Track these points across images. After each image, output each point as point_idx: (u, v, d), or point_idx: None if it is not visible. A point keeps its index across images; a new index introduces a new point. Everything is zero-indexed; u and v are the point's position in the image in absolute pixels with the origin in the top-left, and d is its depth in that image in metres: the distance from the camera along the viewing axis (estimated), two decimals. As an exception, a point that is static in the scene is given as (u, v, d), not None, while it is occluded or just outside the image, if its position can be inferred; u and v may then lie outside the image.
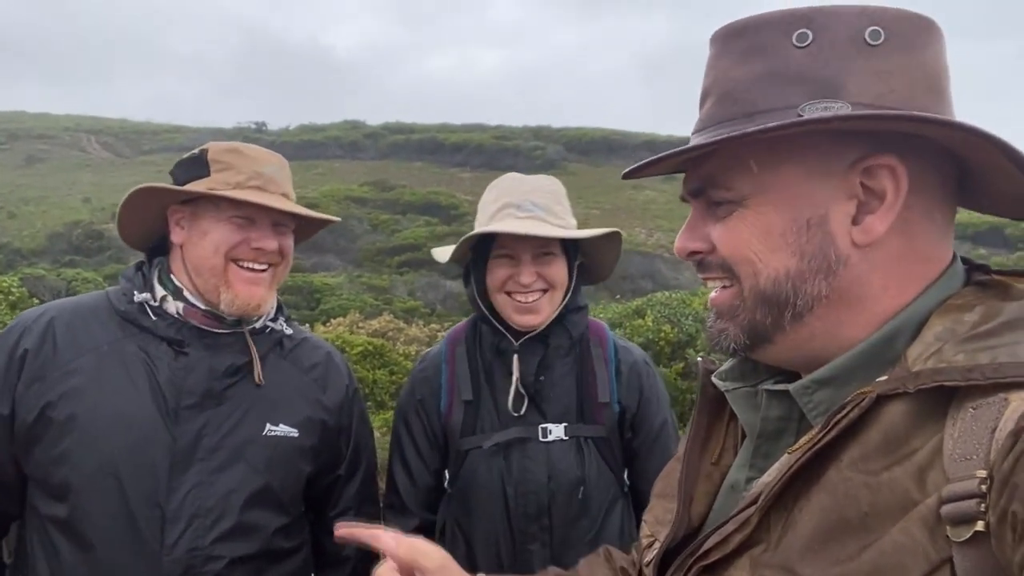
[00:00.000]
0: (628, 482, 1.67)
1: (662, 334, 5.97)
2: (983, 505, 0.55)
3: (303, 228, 1.63)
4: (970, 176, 0.72)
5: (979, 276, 0.72)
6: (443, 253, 1.72)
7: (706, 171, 0.74)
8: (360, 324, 12.67)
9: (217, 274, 1.43)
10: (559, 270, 1.61)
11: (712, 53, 0.76)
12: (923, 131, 0.66)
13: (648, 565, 0.83)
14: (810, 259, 0.71)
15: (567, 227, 1.62)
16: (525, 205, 1.59)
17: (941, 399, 0.62)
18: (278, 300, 1.60)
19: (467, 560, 1.61)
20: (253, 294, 1.44)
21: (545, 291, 1.60)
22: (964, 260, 0.75)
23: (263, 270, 1.47)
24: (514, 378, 1.61)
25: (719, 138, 0.68)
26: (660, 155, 0.74)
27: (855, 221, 0.69)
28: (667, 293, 7.22)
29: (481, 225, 1.62)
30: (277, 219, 1.48)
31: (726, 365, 0.84)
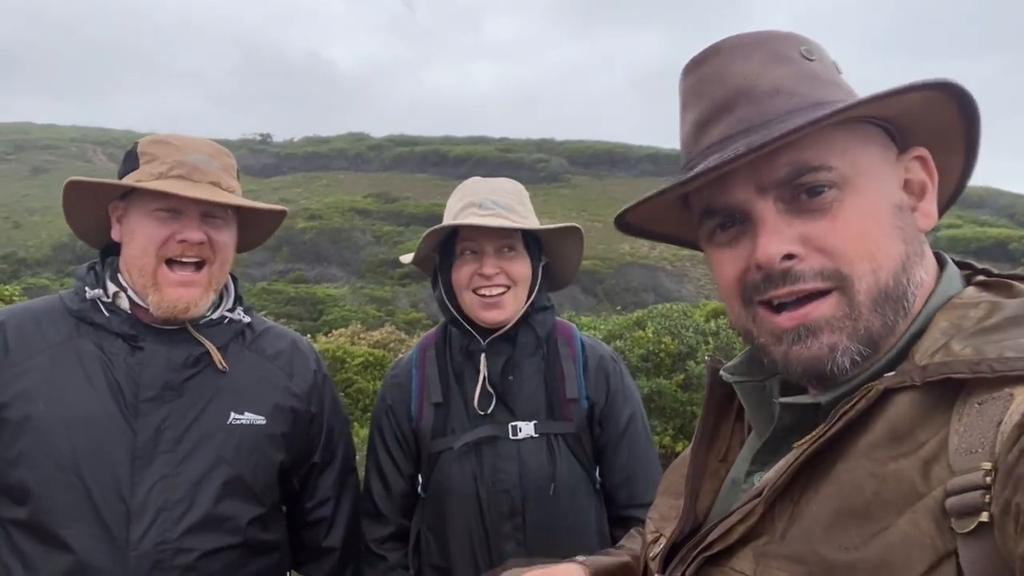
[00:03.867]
0: (599, 479, 1.67)
1: (663, 346, 5.97)
2: (987, 496, 0.55)
3: (259, 226, 1.60)
4: None
5: (979, 277, 0.74)
6: (409, 256, 1.74)
7: (793, 159, 0.68)
8: (362, 335, 12.68)
9: (146, 275, 1.40)
10: (521, 266, 1.64)
11: (715, 64, 0.74)
12: (936, 105, 0.70)
13: (654, 559, 0.84)
14: (911, 242, 0.70)
15: (530, 224, 1.65)
16: (486, 203, 1.63)
17: (947, 393, 0.62)
18: (236, 292, 1.58)
19: (442, 562, 1.63)
20: (181, 296, 1.41)
21: (508, 287, 1.62)
22: (961, 264, 0.77)
23: (194, 267, 1.43)
24: (481, 376, 1.62)
25: (844, 105, 0.65)
26: (764, 142, 0.65)
27: (911, 209, 0.72)
28: (668, 305, 7.22)
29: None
30: (207, 209, 1.43)
31: (735, 360, 0.84)
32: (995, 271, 0.74)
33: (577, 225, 1.71)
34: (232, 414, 1.43)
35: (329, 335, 13.18)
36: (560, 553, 1.60)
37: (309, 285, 30.73)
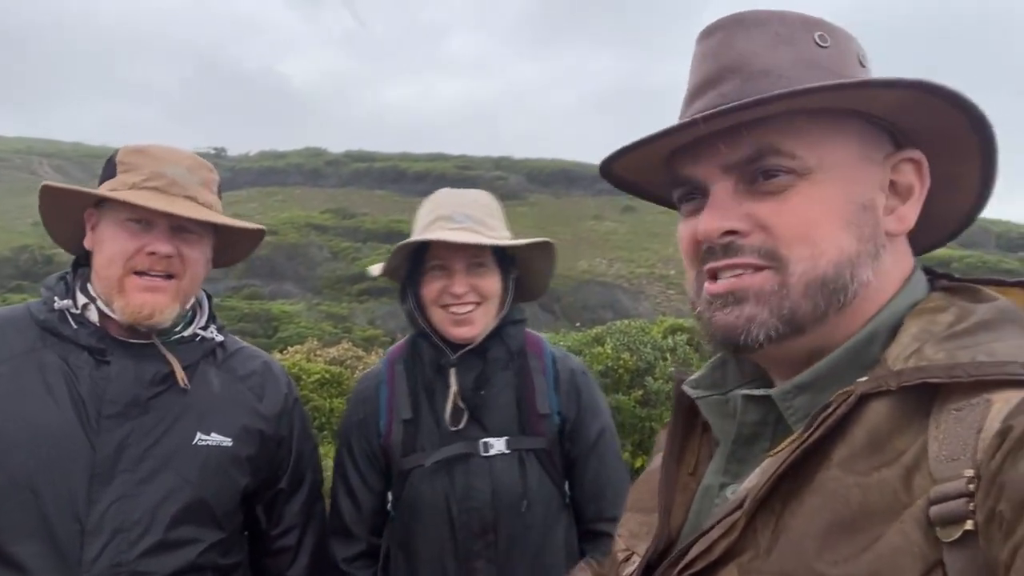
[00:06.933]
0: (569, 493, 1.67)
1: (621, 362, 6.00)
2: (971, 504, 0.56)
3: (236, 244, 1.58)
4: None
5: (942, 282, 0.75)
6: (378, 268, 1.72)
7: (763, 139, 0.70)
8: (318, 352, 12.48)
9: (111, 285, 1.38)
10: (492, 282, 1.62)
11: (720, 37, 0.75)
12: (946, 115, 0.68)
13: None
14: (866, 242, 0.71)
15: (500, 239, 1.63)
16: (457, 217, 1.60)
17: (922, 399, 0.62)
18: (211, 310, 1.55)
19: None
20: (145, 301, 1.38)
21: (479, 303, 1.60)
22: (925, 268, 0.78)
23: (163, 277, 1.40)
24: (451, 392, 1.60)
25: (821, 84, 0.66)
26: (726, 106, 0.67)
27: (887, 211, 0.73)
28: (626, 321, 7.28)
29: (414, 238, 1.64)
30: (179, 223, 1.41)
31: (697, 374, 0.84)
32: (956, 275, 0.74)
33: (549, 240, 1.69)
34: (198, 434, 1.39)
35: (284, 352, 12.93)
36: (528, 568, 1.59)
37: (264, 301, 30.19)
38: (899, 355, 0.66)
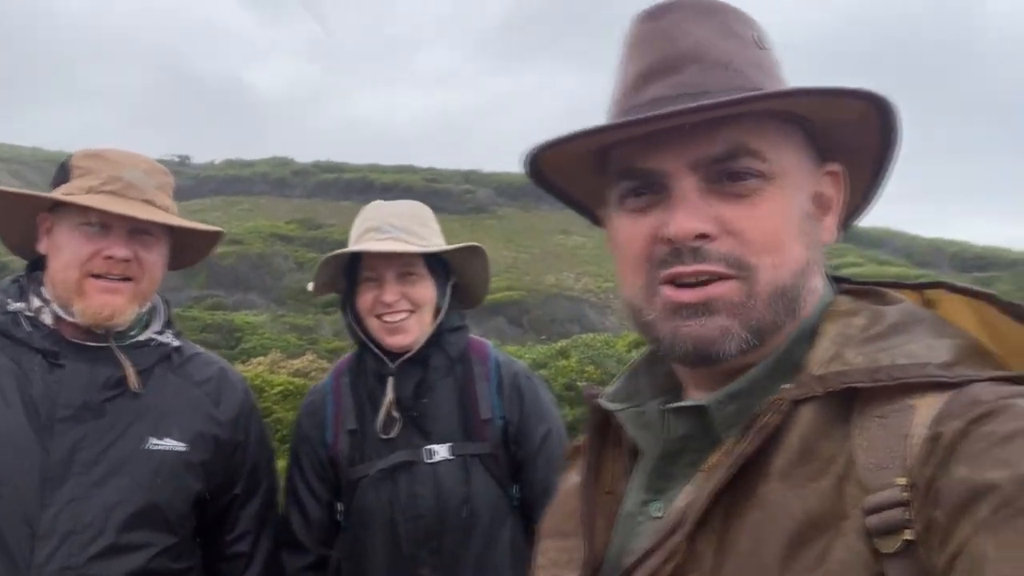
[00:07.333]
0: (518, 496, 1.69)
1: (585, 375, 6.05)
2: (908, 513, 0.55)
3: (193, 246, 1.58)
4: None
5: (846, 285, 0.76)
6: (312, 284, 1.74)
7: (734, 138, 0.66)
8: (281, 363, 12.34)
9: (70, 288, 1.38)
10: (424, 290, 1.65)
11: (673, 20, 0.71)
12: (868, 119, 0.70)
13: None
14: (813, 250, 0.70)
15: (429, 247, 1.65)
16: (384, 227, 1.63)
17: (843, 404, 0.62)
18: (167, 315, 1.56)
19: None
20: (106, 302, 1.39)
21: (412, 311, 1.62)
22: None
23: (120, 280, 1.41)
24: (387, 400, 1.62)
25: (811, 87, 0.65)
26: (736, 97, 0.63)
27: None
28: (591, 335, 7.36)
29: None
30: (135, 226, 1.42)
31: (612, 388, 0.81)
32: (853, 279, 0.76)
33: (478, 244, 1.72)
34: (151, 439, 1.38)
35: (247, 363, 12.75)
36: (473, 571, 1.60)
37: (227, 312, 29.70)
38: (820, 360, 0.65)
